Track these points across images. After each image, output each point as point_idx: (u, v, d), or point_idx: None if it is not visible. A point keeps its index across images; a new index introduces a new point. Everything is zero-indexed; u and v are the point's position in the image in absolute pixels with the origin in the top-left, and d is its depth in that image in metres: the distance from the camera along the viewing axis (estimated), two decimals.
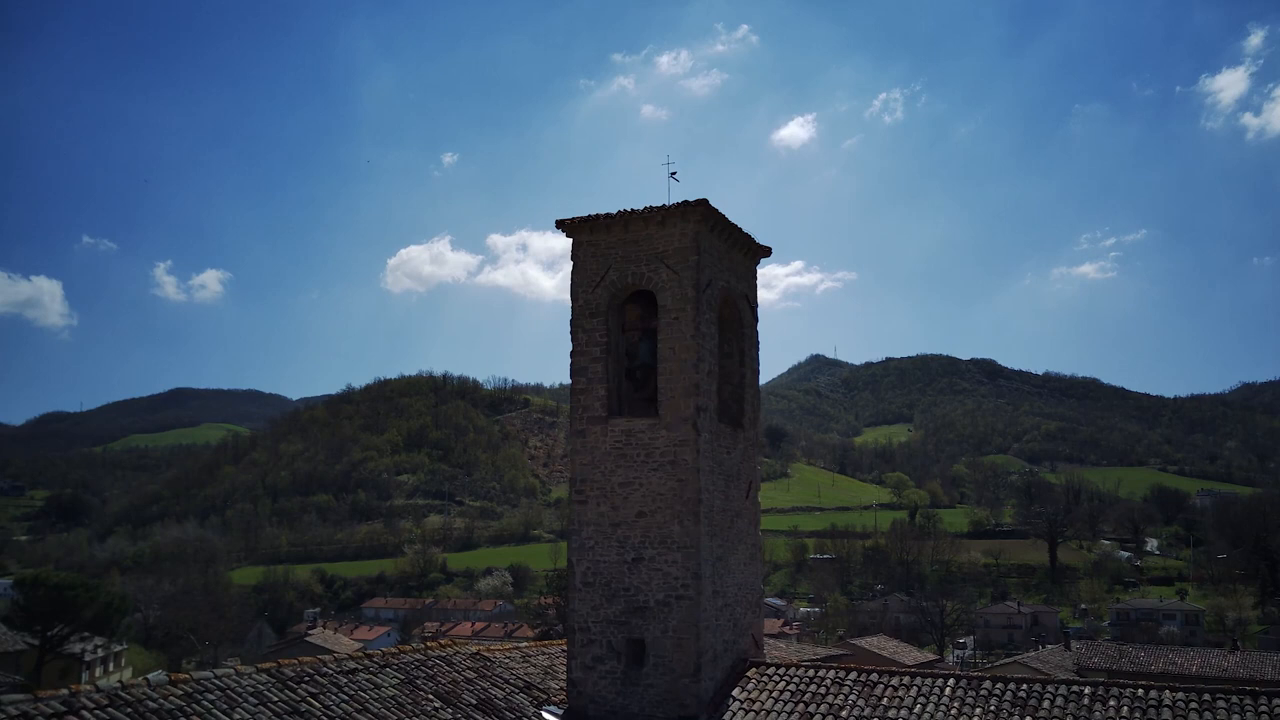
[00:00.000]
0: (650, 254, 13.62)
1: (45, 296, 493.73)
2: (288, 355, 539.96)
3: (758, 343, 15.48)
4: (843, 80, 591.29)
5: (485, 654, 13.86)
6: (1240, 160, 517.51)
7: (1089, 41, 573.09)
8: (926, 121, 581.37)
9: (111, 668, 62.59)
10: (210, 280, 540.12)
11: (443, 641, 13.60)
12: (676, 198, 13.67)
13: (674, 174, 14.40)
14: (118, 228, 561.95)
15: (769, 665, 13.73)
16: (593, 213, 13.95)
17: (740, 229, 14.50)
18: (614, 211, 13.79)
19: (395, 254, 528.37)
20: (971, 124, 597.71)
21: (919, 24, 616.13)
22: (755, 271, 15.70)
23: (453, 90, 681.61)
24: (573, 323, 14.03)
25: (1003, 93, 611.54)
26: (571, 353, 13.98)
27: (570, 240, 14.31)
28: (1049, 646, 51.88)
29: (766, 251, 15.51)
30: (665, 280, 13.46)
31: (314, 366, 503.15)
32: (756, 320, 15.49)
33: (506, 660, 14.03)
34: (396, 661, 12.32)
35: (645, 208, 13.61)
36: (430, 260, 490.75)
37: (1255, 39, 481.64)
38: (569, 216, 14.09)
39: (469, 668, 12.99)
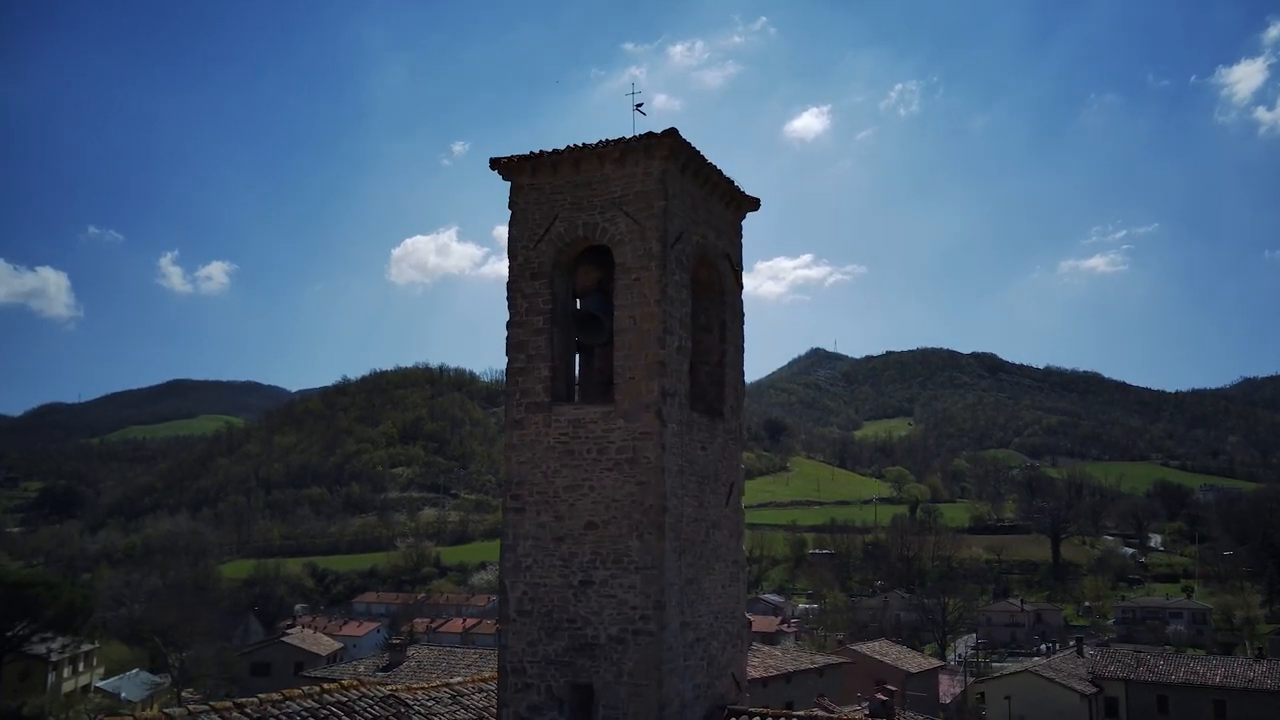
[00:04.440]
0: (606, 199, 10.85)
1: (51, 287, 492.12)
2: (291, 348, 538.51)
3: (742, 314, 12.68)
4: (860, 71, 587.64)
5: (403, 695, 11.21)
6: (1253, 155, 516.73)
7: (1109, 32, 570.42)
8: (943, 113, 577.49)
9: (81, 668, 60.15)
10: (216, 272, 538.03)
11: (347, 682, 10.94)
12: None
13: (639, 105, 11.62)
14: (124, 218, 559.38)
15: (752, 714, 11.08)
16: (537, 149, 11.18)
17: (720, 171, 11.73)
18: (561, 147, 11.02)
19: (400, 244, 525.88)
20: (988, 116, 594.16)
21: (942, 14, 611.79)
22: (740, 228, 12.90)
23: (464, 80, 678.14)
24: (510, 286, 11.28)
25: (1020, 84, 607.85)
26: (508, 323, 11.24)
27: (508, 184, 11.53)
28: (1062, 653, 49.28)
29: (754, 204, 12.72)
30: (624, 232, 10.70)
31: (317, 359, 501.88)
32: (741, 286, 12.69)
33: (430, 704, 11.37)
34: (279, 711, 9.68)
35: (600, 141, 10.85)
36: (436, 251, 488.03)
37: (1275, 31, 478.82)
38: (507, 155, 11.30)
39: (375, 717, 10.35)
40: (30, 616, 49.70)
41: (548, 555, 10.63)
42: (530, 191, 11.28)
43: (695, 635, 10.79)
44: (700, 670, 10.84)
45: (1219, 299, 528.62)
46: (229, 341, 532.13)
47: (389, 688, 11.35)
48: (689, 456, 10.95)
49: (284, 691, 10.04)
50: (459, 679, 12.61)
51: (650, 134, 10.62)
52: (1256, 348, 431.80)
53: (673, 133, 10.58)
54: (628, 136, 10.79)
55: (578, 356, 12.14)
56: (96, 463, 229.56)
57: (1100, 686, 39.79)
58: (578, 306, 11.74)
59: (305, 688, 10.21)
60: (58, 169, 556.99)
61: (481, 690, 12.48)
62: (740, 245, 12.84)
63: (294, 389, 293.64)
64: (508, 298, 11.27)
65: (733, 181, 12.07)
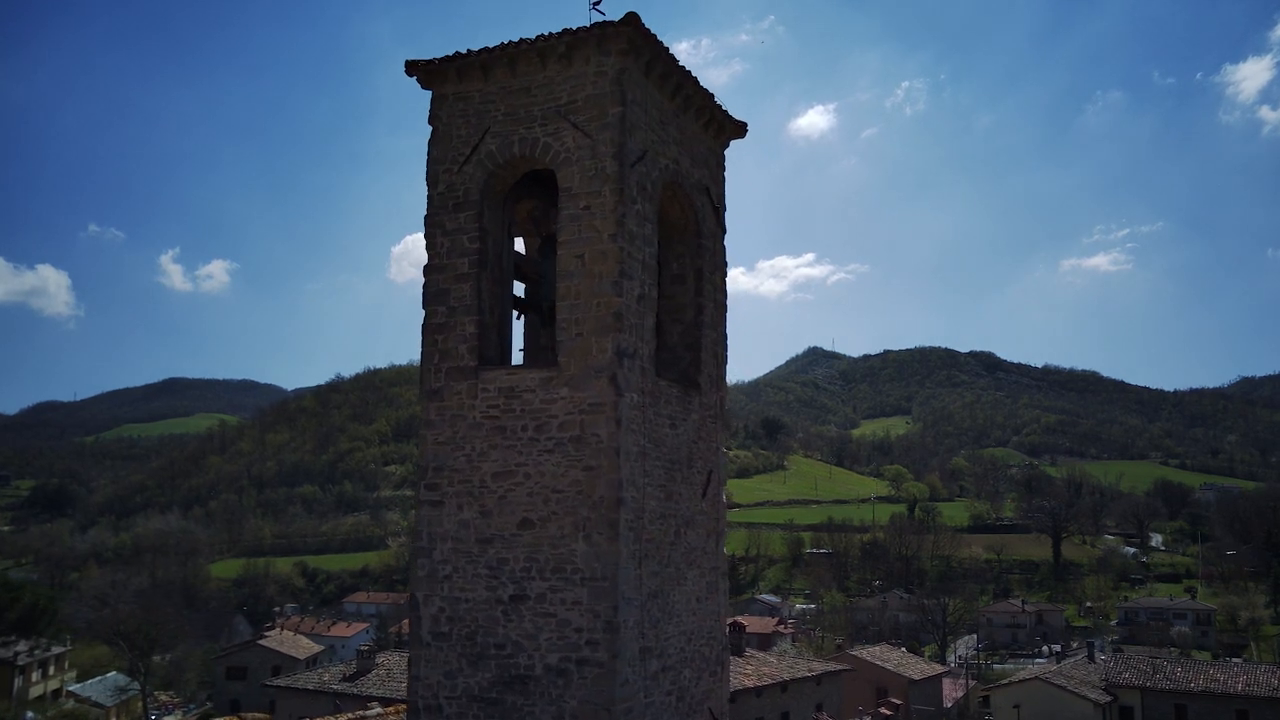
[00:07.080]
0: (549, 107, 8.53)
1: (51, 286, 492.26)
2: (291, 347, 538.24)
3: (724, 263, 10.29)
4: (866, 68, 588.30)
5: None
6: (1257, 154, 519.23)
7: (1115, 30, 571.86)
8: (949, 111, 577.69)
9: (51, 671, 58.01)
10: (217, 270, 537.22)
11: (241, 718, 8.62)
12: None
13: (597, 3, 9.29)
14: (125, 216, 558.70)
15: None
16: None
17: (695, 80, 9.40)
18: (493, 46, 8.70)
19: (400, 242, 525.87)
20: (993, 114, 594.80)
21: (949, 13, 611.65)
22: (722, 158, 10.54)
23: None
24: (427, 221, 8.99)
25: (1026, 82, 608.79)
26: (425, 267, 8.96)
27: (430, 95, 9.20)
28: (1072, 659, 47.06)
29: (740, 129, 10.40)
30: (571, 148, 8.38)
31: (316, 358, 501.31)
32: (724, 229, 10.31)
33: None
34: None
35: (540, 35, 8.53)
36: None
37: None
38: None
39: None
40: None
41: (471, 562, 8.32)
42: (455, 102, 8.97)
43: (661, 664, 8.46)
44: (667, 708, 8.52)
45: (1218, 298, 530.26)
46: (228, 340, 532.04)
47: None
48: (654, 436, 8.64)
49: None
50: (376, 711, 10.35)
51: (604, 23, 8.29)
52: (1255, 347, 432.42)
53: (633, 20, 8.22)
54: (574, 29, 8.46)
55: (524, 314, 9.86)
56: (89, 461, 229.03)
57: (1114, 695, 37.66)
58: (518, 249, 9.45)
59: None
60: (58, 167, 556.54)
61: None
62: (723, 179, 10.44)
63: (290, 388, 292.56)
64: (426, 237, 8.98)
65: (713, 96, 9.72)
